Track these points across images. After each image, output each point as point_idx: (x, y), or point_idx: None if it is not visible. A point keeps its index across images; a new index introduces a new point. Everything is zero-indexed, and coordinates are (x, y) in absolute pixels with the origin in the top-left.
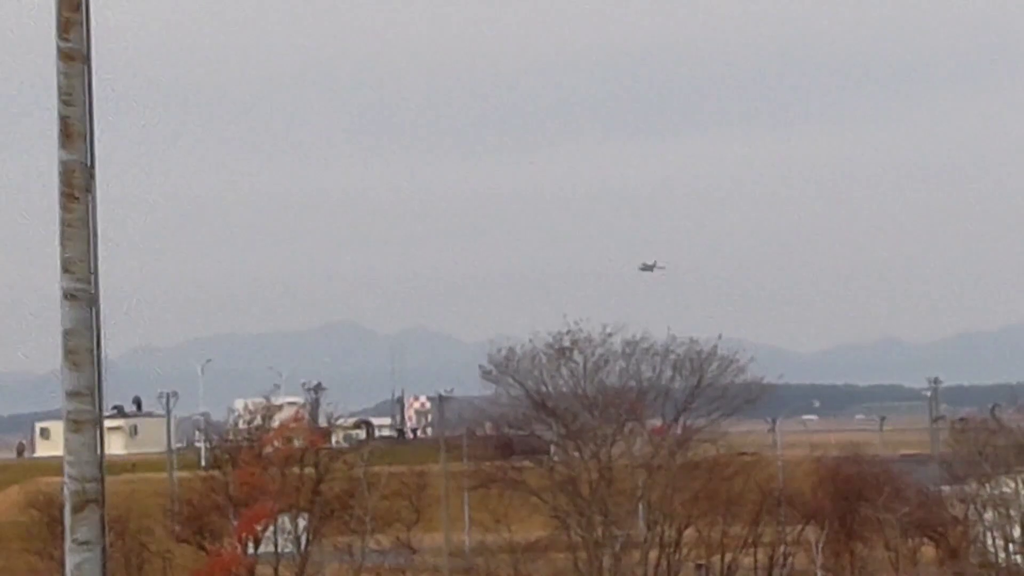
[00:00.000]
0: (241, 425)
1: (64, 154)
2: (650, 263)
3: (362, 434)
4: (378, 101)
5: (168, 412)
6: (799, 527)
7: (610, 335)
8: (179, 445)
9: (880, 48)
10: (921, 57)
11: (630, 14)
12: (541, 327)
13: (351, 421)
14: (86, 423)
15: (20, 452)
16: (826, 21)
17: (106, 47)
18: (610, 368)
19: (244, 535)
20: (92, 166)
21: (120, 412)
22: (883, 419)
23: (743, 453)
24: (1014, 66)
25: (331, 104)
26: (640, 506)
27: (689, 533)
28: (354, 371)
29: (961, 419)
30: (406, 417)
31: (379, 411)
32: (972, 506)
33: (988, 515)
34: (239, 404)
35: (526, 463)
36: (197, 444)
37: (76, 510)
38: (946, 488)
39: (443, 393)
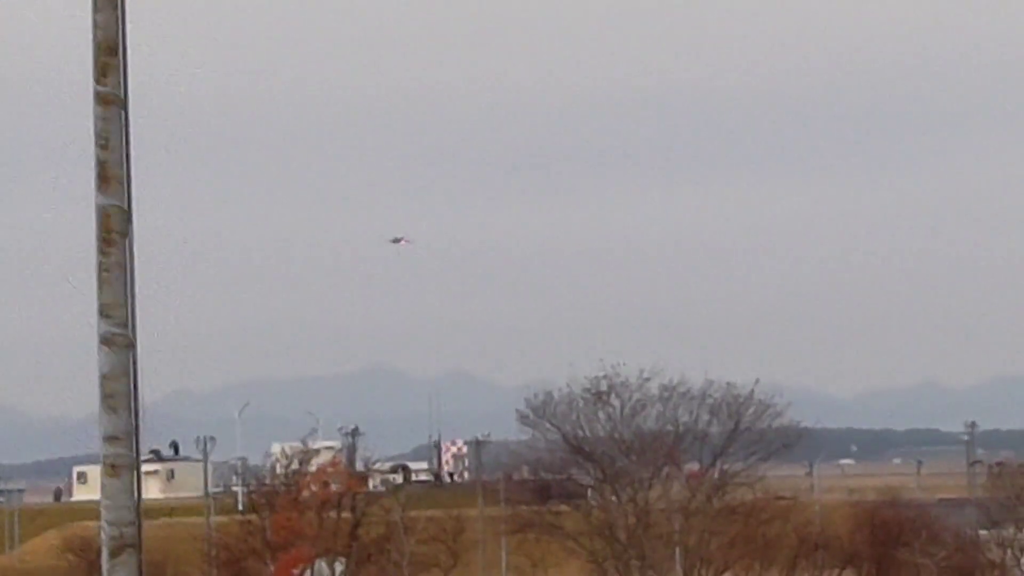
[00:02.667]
0: (278, 469)
1: (101, 198)
2: (398, 237)
3: (399, 478)
4: (418, 146)
5: (205, 456)
6: (837, 571)
7: (647, 379)
8: (216, 489)
9: (917, 91)
10: (959, 99)
11: (639, 61)
12: (578, 372)
13: (388, 465)
14: (123, 467)
15: (58, 496)
16: (853, 67)
17: (145, 90)
18: (647, 412)
19: None
20: (129, 210)
21: (157, 456)
22: (920, 463)
23: (780, 497)
24: None
25: (371, 148)
26: (677, 551)
27: None
28: (391, 415)
29: (998, 463)
30: (443, 461)
31: (416, 455)
32: (1009, 550)
33: None
34: (276, 448)
35: (563, 507)
36: (234, 488)
37: (113, 555)
38: (983, 532)
39: (480, 437)
